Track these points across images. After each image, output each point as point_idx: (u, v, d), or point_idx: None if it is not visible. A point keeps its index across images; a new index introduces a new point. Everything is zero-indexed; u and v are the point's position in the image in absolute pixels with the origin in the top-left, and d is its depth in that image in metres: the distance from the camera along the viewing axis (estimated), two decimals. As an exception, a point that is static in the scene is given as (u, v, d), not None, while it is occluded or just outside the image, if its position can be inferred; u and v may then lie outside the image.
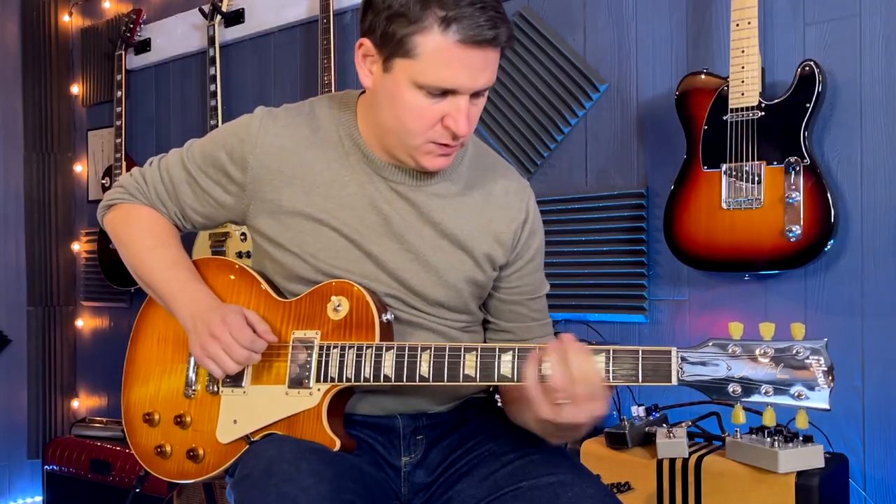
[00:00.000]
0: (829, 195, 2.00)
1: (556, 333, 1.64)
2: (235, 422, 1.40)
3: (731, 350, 1.16)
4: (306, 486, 1.16)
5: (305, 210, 1.41)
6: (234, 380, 1.41)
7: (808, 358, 1.13)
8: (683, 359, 1.17)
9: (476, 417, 1.49)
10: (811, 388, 1.12)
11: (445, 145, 1.32)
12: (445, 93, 1.27)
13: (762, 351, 1.14)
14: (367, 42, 1.32)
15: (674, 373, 1.17)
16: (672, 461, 1.93)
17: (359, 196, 1.41)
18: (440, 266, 1.42)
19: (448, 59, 1.24)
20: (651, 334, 2.40)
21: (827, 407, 1.12)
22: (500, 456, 1.39)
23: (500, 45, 1.27)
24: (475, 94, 1.30)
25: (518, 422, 1.42)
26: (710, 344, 1.17)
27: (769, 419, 1.18)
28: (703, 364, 1.16)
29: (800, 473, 1.77)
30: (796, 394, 1.13)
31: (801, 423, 1.15)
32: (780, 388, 1.13)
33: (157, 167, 1.54)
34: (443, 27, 1.22)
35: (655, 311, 2.41)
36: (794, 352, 1.13)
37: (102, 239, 3.70)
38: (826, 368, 1.12)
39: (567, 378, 1.17)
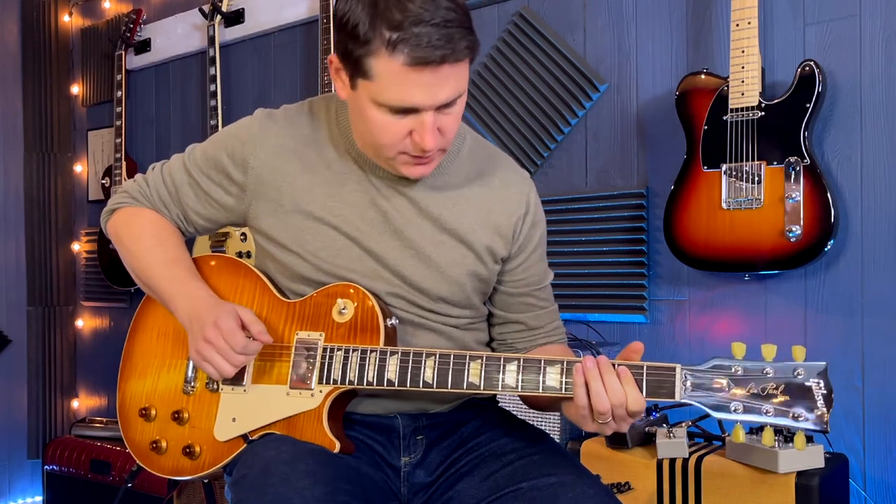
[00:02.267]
0: (829, 195, 2.00)
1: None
2: (234, 420, 1.40)
3: (733, 370, 1.19)
4: (301, 487, 1.16)
5: (306, 209, 1.42)
6: (235, 378, 1.41)
7: (808, 381, 1.15)
8: (687, 377, 1.20)
9: (476, 417, 1.49)
10: (810, 411, 1.15)
11: (418, 157, 1.32)
12: (408, 110, 1.26)
13: (763, 371, 1.17)
14: (335, 59, 1.32)
15: (678, 391, 1.20)
16: (672, 461, 1.93)
17: (358, 193, 1.42)
18: (441, 261, 1.43)
19: (399, 80, 1.22)
20: (651, 334, 2.40)
21: (826, 429, 1.14)
22: (501, 456, 1.39)
23: (455, 60, 1.22)
24: (444, 106, 1.27)
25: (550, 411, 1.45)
26: (714, 363, 1.20)
27: (768, 439, 1.21)
28: (706, 383, 1.19)
29: (800, 474, 1.77)
30: (795, 415, 1.15)
31: (800, 444, 1.18)
32: (780, 409, 1.16)
33: (159, 172, 1.55)
34: (389, 49, 1.20)
35: (655, 311, 2.41)
36: (795, 374, 1.16)
37: (102, 239, 3.70)
38: (825, 392, 1.15)
39: (609, 405, 1.20)
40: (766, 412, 1.16)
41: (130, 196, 1.56)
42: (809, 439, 1.82)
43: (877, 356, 2.07)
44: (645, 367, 1.21)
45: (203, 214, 1.52)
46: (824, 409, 1.14)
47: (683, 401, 1.20)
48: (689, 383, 1.19)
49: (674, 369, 1.20)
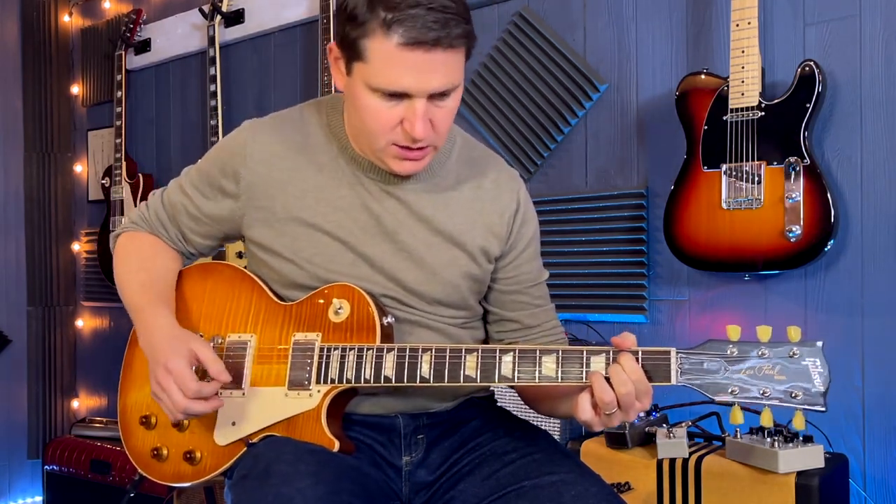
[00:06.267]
0: (829, 195, 1.99)
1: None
2: (234, 424, 1.40)
3: (729, 351, 1.18)
4: (303, 486, 1.16)
5: (299, 215, 1.42)
6: (234, 382, 1.41)
7: (804, 360, 1.15)
8: (682, 359, 1.19)
9: (477, 417, 1.50)
10: (807, 390, 1.15)
11: (408, 148, 1.32)
12: (401, 96, 1.27)
13: (759, 353, 1.17)
14: (334, 47, 1.35)
15: (673, 373, 1.19)
16: (672, 461, 1.93)
17: (350, 198, 1.42)
18: (435, 264, 1.43)
19: (392, 61, 1.24)
20: (651, 334, 2.40)
21: (823, 409, 1.14)
22: (502, 455, 1.39)
23: (448, 46, 1.24)
24: (437, 97, 1.28)
25: (549, 415, 1.49)
26: (709, 345, 1.19)
27: (766, 419, 1.20)
28: (702, 365, 1.18)
29: (800, 473, 1.77)
30: (793, 395, 1.15)
31: (799, 423, 1.17)
32: (777, 389, 1.15)
33: (159, 196, 1.58)
34: (384, 29, 1.22)
35: (655, 312, 2.41)
36: (791, 354, 1.16)
37: (102, 239, 3.70)
38: (822, 370, 1.14)
39: (612, 395, 1.20)
40: (764, 393, 1.15)
41: (132, 221, 1.60)
42: (809, 439, 1.81)
43: (877, 356, 2.07)
44: (640, 352, 1.21)
45: (199, 231, 1.53)
46: (822, 388, 1.14)
47: (680, 384, 1.19)
48: (684, 366, 1.19)
49: (668, 353, 1.20)
